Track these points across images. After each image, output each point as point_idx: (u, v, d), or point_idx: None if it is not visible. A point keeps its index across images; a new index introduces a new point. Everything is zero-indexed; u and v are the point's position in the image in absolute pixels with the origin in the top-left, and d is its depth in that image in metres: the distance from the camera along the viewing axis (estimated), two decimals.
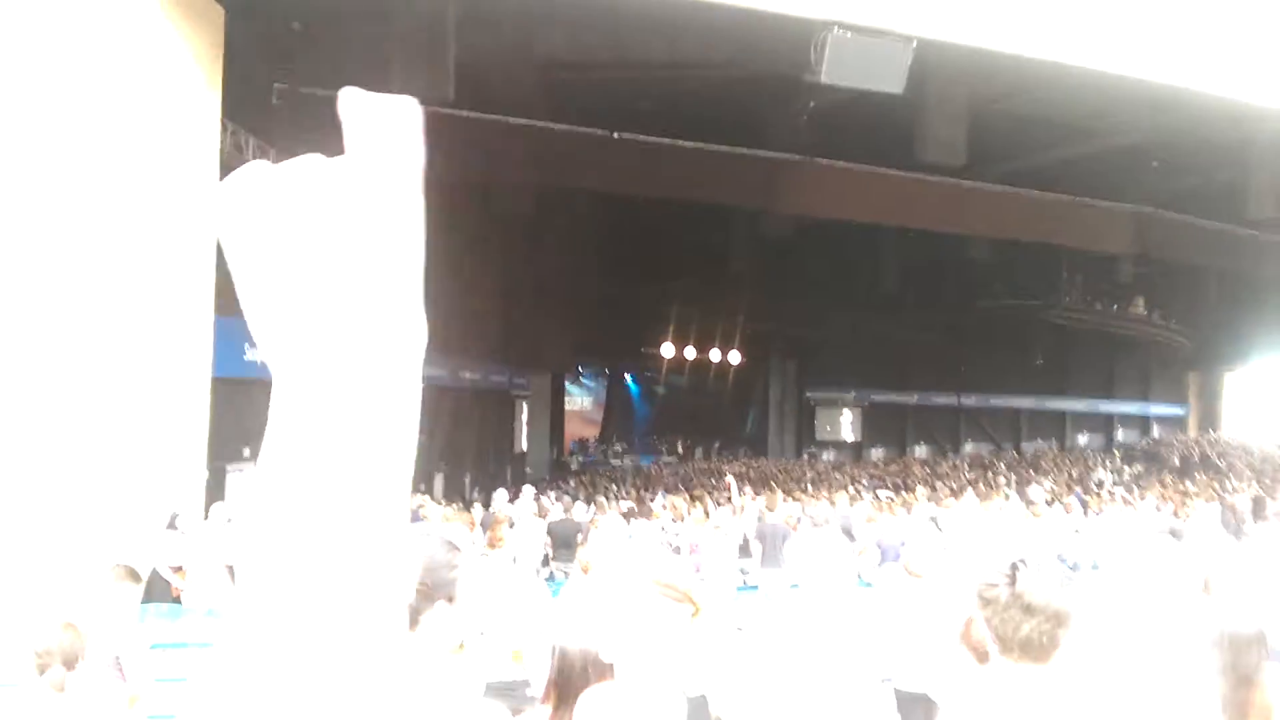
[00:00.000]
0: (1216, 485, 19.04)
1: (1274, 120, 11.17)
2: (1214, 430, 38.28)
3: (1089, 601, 2.17)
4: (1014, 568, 1.49)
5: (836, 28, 8.83)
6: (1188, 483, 19.71)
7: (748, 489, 17.40)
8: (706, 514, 13.45)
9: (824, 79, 9.11)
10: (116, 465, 7.75)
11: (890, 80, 9.33)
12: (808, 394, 37.17)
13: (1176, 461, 28.87)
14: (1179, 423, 41.12)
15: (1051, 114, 13.72)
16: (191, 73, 8.78)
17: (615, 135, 14.45)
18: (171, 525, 8.18)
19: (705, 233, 23.52)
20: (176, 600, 7.82)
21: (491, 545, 8.14)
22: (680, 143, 14.94)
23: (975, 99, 12.81)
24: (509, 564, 8.27)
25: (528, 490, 13.22)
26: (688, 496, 17.48)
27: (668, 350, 35.67)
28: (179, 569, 7.86)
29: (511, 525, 10.12)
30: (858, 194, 16.67)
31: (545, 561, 10.18)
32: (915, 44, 9.17)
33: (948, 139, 12.63)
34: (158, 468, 8.37)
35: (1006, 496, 15.33)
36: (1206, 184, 16.90)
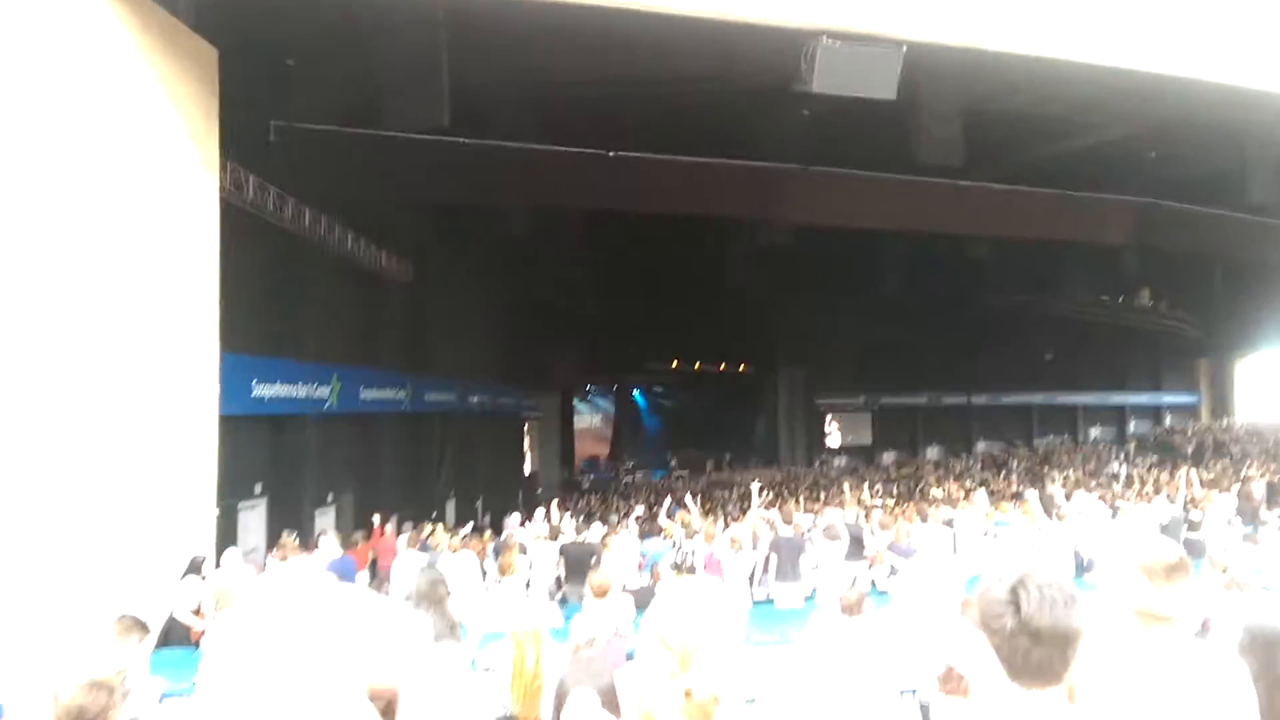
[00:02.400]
0: (1231, 472, 18.91)
1: (1269, 104, 11.09)
2: (1227, 417, 38.03)
3: (1100, 613, 2.13)
4: (1015, 590, 1.45)
5: (825, 37, 8.81)
6: (1202, 471, 19.54)
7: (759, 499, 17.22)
8: (727, 522, 13.32)
9: (815, 89, 9.06)
10: (126, 507, 7.75)
11: (882, 86, 9.27)
12: (816, 400, 37.06)
13: (1189, 450, 28.67)
14: (1191, 411, 40.91)
15: (1044, 110, 13.68)
16: (188, 114, 8.84)
17: (610, 153, 14.48)
18: (195, 569, 8.11)
19: (706, 245, 23.50)
20: (196, 644, 7.73)
21: (503, 572, 8.11)
22: (676, 157, 14.95)
23: (968, 99, 12.79)
24: (521, 591, 8.22)
25: (539, 514, 13.14)
26: (700, 510, 17.41)
27: (674, 364, 35.66)
28: (197, 610, 7.79)
29: (524, 551, 10.06)
30: (856, 200, 16.66)
31: (559, 583, 10.09)
32: (905, 48, 9.15)
33: (943, 141, 12.61)
34: (168, 508, 8.37)
35: (1025, 499, 15.15)
36: (1205, 172, 16.79)
